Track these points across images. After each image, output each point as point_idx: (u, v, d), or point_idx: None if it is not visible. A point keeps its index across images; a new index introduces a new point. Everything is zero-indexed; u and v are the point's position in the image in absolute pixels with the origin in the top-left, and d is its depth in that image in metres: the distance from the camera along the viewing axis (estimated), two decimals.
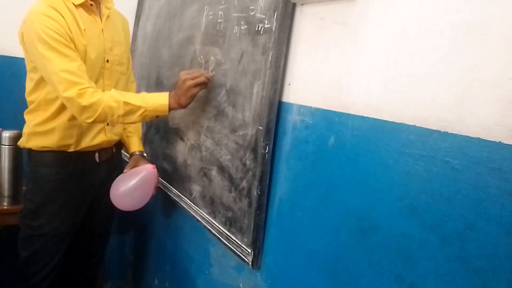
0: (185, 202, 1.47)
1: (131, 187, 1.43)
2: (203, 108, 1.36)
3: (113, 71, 1.44)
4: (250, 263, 1.07)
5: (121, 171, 1.50)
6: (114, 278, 2.37)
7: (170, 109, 1.29)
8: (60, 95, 1.23)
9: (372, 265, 0.72)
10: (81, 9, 1.33)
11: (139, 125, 1.68)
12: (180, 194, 1.52)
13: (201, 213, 1.36)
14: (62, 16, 1.24)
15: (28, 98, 1.38)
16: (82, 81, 1.23)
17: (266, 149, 1.02)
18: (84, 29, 1.31)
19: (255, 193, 1.06)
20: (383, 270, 0.70)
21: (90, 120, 1.25)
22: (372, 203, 0.73)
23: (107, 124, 1.46)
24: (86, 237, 1.60)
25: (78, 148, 1.41)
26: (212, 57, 1.32)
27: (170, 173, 1.62)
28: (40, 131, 1.37)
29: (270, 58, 1.01)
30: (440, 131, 0.62)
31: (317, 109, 0.88)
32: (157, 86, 1.78)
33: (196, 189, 1.41)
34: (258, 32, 1.08)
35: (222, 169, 1.23)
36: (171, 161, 1.60)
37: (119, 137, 1.57)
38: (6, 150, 1.65)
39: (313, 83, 0.90)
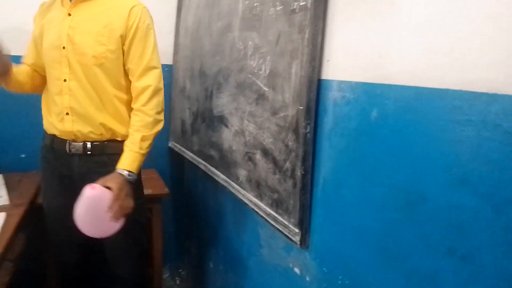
0: (233, 187, 1.50)
1: (76, 211, 1.30)
2: (244, 94, 1.37)
3: (71, 60, 1.38)
4: (298, 243, 1.08)
5: (97, 176, 1.34)
6: (172, 261, 2.48)
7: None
8: None
9: (423, 239, 0.70)
10: None
11: (137, 136, 1.38)
12: (228, 179, 1.55)
13: (248, 197, 1.38)
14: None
15: None
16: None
17: (307, 129, 1.01)
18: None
19: (298, 173, 1.06)
20: (434, 243, 0.68)
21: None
22: (420, 175, 0.71)
23: (67, 114, 1.41)
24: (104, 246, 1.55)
25: (51, 131, 1.47)
26: (250, 42, 1.32)
27: (218, 159, 1.65)
28: None
29: (306, 35, 0.99)
30: (488, 93, 0.59)
31: (357, 83, 0.86)
32: (201, 76, 1.82)
33: (242, 173, 1.43)
34: (293, 11, 1.06)
35: (265, 152, 1.24)
36: (218, 148, 1.64)
37: (98, 136, 1.44)
38: None
39: (352, 56, 0.88)
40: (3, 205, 1.58)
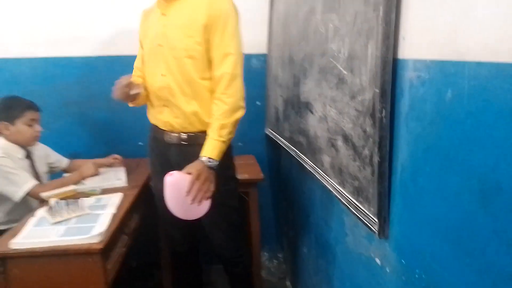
0: (319, 173, 1.49)
1: (166, 199, 1.44)
2: (326, 78, 1.35)
3: (166, 55, 1.48)
4: (377, 233, 1.03)
5: (187, 165, 1.45)
6: (271, 244, 2.57)
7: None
8: None
9: (498, 233, 0.62)
10: None
11: (217, 125, 1.45)
12: (315, 166, 1.55)
13: (332, 183, 1.36)
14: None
15: None
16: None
17: (382, 113, 0.95)
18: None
19: (376, 160, 1.01)
20: (511, 239, 0.59)
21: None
22: (495, 162, 0.62)
23: (165, 106, 1.56)
24: (206, 223, 1.68)
25: (153, 122, 1.65)
26: (331, 24, 1.29)
27: (305, 146, 1.66)
28: None
29: (381, 13, 0.93)
30: None
31: (432, 61, 0.78)
32: (289, 63, 1.83)
33: (326, 160, 1.41)
34: None
35: (346, 138, 1.21)
36: (305, 134, 1.64)
37: (191, 127, 1.54)
38: None
39: (427, 32, 0.80)
40: (122, 186, 1.83)
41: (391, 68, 0.92)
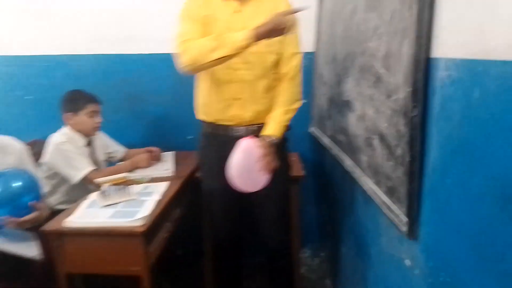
0: (357, 173, 1.48)
1: (230, 164, 1.48)
2: (364, 77, 1.34)
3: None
4: (407, 234, 1.02)
5: None
6: (313, 242, 2.57)
7: (257, 36, 1.38)
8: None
9: None
10: None
11: (281, 110, 1.60)
12: (354, 165, 1.54)
13: (368, 183, 1.35)
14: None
15: None
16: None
17: (414, 112, 0.94)
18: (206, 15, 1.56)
19: (407, 160, 0.99)
20: None
21: (184, 65, 1.46)
22: None
23: (237, 99, 1.58)
24: (258, 215, 1.76)
25: (212, 119, 1.65)
26: (370, 23, 1.28)
27: (346, 145, 1.65)
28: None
29: (414, 11, 0.92)
30: None
31: (462, 60, 0.77)
32: (333, 62, 1.83)
33: (364, 159, 1.40)
34: None
35: (382, 137, 1.20)
36: (345, 133, 1.63)
37: (261, 118, 1.61)
38: None
39: (458, 30, 0.79)
40: (168, 176, 1.94)
41: (423, 67, 0.91)
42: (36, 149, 2.11)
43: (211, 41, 1.43)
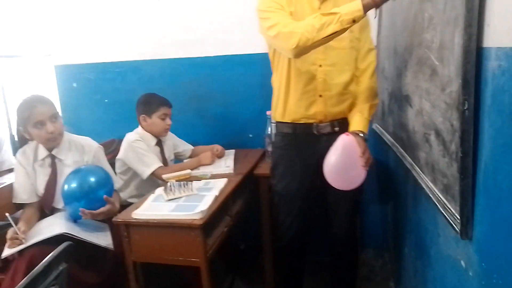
0: (415, 170, 1.42)
1: (330, 161, 1.46)
2: (421, 70, 1.28)
3: (327, 46, 1.50)
4: (460, 233, 0.97)
5: None
6: (378, 242, 2.50)
7: (364, 6, 1.31)
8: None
9: None
10: None
11: (366, 105, 1.62)
12: (412, 162, 1.48)
13: (426, 181, 1.29)
14: None
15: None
16: None
17: (465, 105, 0.89)
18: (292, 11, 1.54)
19: (460, 156, 0.94)
20: None
21: (292, 47, 1.37)
22: None
23: (320, 96, 1.58)
24: (331, 212, 1.75)
25: (291, 118, 1.63)
26: (426, 13, 1.22)
27: (405, 141, 1.59)
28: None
29: None
30: None
31: (511, 49, 0.72)
32: (394, 55, 1.76)
33: (422, 155, 1.34)
34: None
35: (437, 132, 1.14)
36: (405, 129, 1.57)
37: (343, 113, 1.63)
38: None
39: (509, 17, 0.73)
40: (228, 173, 2.02)
41: (474, 57, 0.86)
42: (113, 147, 2.32)
43: (318, 19, 1.35)
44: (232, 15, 2.38)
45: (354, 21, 1.33)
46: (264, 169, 2.08)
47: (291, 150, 1.69)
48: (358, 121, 1.59)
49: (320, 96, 1.60)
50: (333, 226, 1.78)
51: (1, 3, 2.86)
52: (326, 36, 1.35)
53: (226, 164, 2.13)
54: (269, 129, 2.12)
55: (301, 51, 1.41)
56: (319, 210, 1.81)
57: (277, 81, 1.68)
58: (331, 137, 1.59)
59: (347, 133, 1.50)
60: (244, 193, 2.05)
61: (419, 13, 1.32)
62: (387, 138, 1.98)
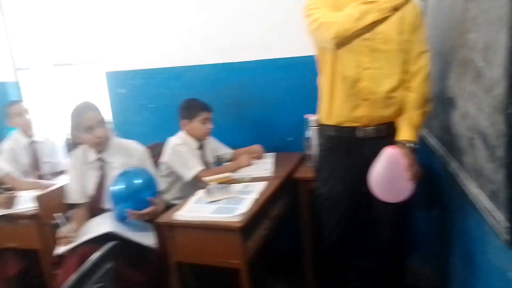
0: (461, 175, 1.37)
1: (374, 174, 1.44)
2: (465, 71, 1.24)
3: (374, 48, 1.49)
4: (507, 243, 0.92)
5: None
6: (423, 250, 2.41)
7: None
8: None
9: None
10: None
11: (416, 113, 1.55)
12: (457, 167, 1.42)
13: (472, 187, 1.24)
14: None
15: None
16: None
17: (509, 109, 0.85)
18: None
19: (507, 161, 0.90)
20: None
21: (331, 37, 1.35)
22: None
23: (365, 100, 1.54)
24: (377, 218, 1.72)
25: (336, 121, 1.60)
26: (470, 13, 1.18)
27: (451, 145, 1.53)
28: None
29: None
30: None
31: None
32: (437, 56, 1.70)
33: (467, 160, 1.29)
34: None
35: (483, 137, 1.10)
36: (449, 132, 1.52)
37: (389, 118, 1.57)
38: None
39: None
40: (268, 176, 2.04)
41: None
42: (157, 150, 2.41)
43: (357, 8, 1.32)
44: (271, 20, 2.40)
45: (395, 9, 1.29)
46: (303, 172, 2.08)
47: (335, 153, 1.67)
48: (406, 130, 1.53)
49: (365, 99, 1.55)
50: (378, 232, 1.75)
51: (56, 16, 3.05)
52: (366, 25, 1.31)
53: (266, 167, 2.15)
54: (309, 132, 2.12)
55: (342, 41, 1.38)
56: (364, 215, 1.78)
57: (323, 83, 1.66)
58: (377, 142, 1.57)
59: (392, 146, 1.45)
60: (283, 196, 2.06)
61: (462, 13, 1.27)
62: (432, 141, 1.91)
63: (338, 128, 1.63)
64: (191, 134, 2.25)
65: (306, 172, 2.07)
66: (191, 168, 2.13)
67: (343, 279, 1.95)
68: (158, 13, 2.64)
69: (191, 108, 2.23)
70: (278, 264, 2.45)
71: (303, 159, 2.26)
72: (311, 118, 2.05)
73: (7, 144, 2.58)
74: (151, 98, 2.77)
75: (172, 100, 2.37)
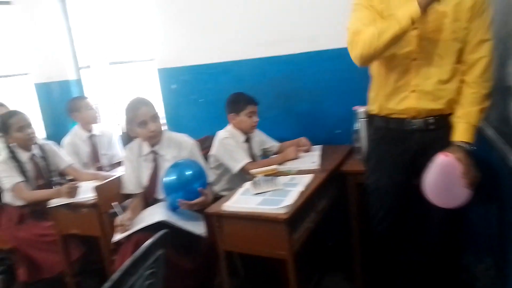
0: None
1: (427, 181, 1.39)
2: None
3: (424, 38, 1.43)
4: None
5: (437, 149, 1.43)
6: (476, 246, 2.30)
7: (419, 4, 1.28)
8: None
9: None
10: None
11: (473, 109, 1.45)
12: None
13: None
14: None
15: None
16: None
17: None
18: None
19: None
20: None
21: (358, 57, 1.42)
22: None
23: (413, 91, 1.49)
24: (429, 212, 1.61)
25: (384, 112, 1.56)
26: None
27: (508, 137, 1.45)
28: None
29: None
30: None
31: None
32: (497, 43, 1.60)
33: None
34: None
35: None
36: (509, 124, 1.44)
37: (439, 111, 1.50)
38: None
39: None
40: (314, 169, 2.03)
41: None
42: (207, 143, 2.49)
43: (377, 28, 1.37)
44: (319, 11, 2.37)
45: (412, 20, 1.30)
46: (351, 165, 2.06)
47: (382, 144, 1.64)
48: (462, 130, 1.44)
49: (413, 91, 1.50)
50: (430, 227, 1.69)
51: (111, 17, 3.22)
52: (388, 41, 1.35)
53: (312, 160, 2.14)
54: (357, 124, 2.08)
55: (367, 60, 1.45)
56: (415, 208, 1.72)
57: (372, 73, 1.64)
58: (425, 134, 1.52)
59: (445, 152, 1.38)
60: (331, 189, 2.05)
61: None
62: (489, 133, 1.81)
63: (386, 119, 1.60)
64: (238, 127, 2.29)
65: (354, 165, 2.04)
66: (238, 160, 2.18)
67: (393, 274, 1.91)
68: (207, 11, 2.69)
69: (238, 102, 2.27)
70: (326, 258, 2.45)
71: (351, 152, 2.23)
72: (360, 110, 2.01)
73: (68, 138, 2.79)
74: (200, 93, 2.85)
75: (220, 94, 2.42)
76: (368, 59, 1.45)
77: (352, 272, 2.16)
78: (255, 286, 2.17)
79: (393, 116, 1.57)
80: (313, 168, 2.04)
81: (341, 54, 2.29)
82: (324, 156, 2.19)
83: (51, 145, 2.57)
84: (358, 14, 1.48)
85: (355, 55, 1.45)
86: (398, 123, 1.56)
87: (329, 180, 1.98)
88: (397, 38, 1.36)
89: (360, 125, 2.04)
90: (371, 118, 1.70)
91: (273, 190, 1.75)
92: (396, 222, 1.70)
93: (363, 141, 2.02)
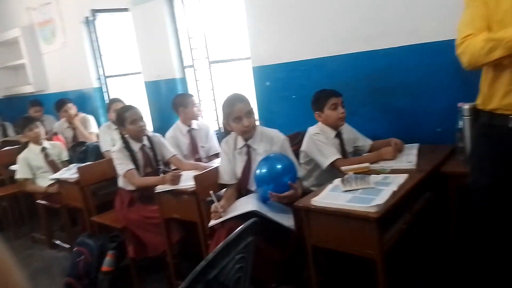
0: None
1: None
2: None
3: None
4: None
5: None
6: None
7: None
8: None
9: None
10: None
11: None
12: None
13: None
14: None
15: None
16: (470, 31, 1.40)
17: None
18: None
19: None
20: None
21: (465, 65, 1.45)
22: None
23: None
24: None
25: (489, 108, 1.47)
26: None
27: None
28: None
29: None
30: None
31: None
32: None
33: None
34: None
35: None
36: None
37: None
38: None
39: None
40: (410, 168, 1.94)
41: None
42: (298, 139, 2.52)
43: (487, 42, 1.36)
44: (418, 2, 2.24)
45: None
46: (453, 166, 1.92)
47: (484, 142, 1.55)
48: None
49: None
50: None
51: (212, 20, 3.42)
52: (497, 59, 1.35)
53: (409, 159, 2.03)
54: (461, 123, 1.93)
55: (474, 69, 1.47)
56: None
57: (484, 68, 1.53)
58: None
59: None
60: (428, 191, 1.93)
61: None
62: None
63: (491, 115, 1.49)
64: (327, 123, 2.28)
65: (456, 166, 1.90)
66: (328, 156, 2.17)
67: (497, 284, 1.75)
68: (300, 8, 2.71)
69: (319, 99, 2.28)
70: (424, 262, 2.31)
71: (453, 152, 2.07)
72: (465, 106, 1.86)
73: (171, 131, 3.07)
74: (293, 90, 2.88)
75: (313, 90, 2.42)
76: (475, 69, 1.48)
77: (451, 279, 2.02)
78: (341, 283, 2.14)
79: (497, 112, 1.47)
80: (409, 167, 1.94)
81: (445, 46, 2.14)
82: (422, 156, 2.07)
83: (159, 137, 2.84)
84: (471, 12, 1.44)
85: (462, 61, 1.47)
86: (503, 120, 1.45)
87: (427, 181, 1.86)
88: (507, 57, 1.35)
89: (465, 123, 1.89)
90: (477, 113, 1.60)
91: (363, 188, 1.71)
92: (498, 226, 1.54)
93: (467, 140, 1.87)
